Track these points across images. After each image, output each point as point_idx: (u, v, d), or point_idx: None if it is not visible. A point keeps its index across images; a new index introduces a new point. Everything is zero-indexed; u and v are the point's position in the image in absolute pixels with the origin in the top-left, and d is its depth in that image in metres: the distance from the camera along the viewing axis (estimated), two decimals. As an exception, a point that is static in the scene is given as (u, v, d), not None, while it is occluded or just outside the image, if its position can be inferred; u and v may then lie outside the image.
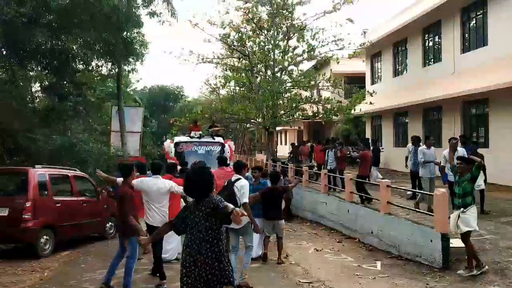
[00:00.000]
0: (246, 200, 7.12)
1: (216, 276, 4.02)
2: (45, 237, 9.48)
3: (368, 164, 12.78)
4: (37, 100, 20.26)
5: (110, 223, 11.48)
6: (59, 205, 9.94)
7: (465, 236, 7.20)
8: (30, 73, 18.01)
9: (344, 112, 22.84)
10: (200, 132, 18.85)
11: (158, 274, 7.35)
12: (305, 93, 24.78)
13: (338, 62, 23.26)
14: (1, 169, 11.12)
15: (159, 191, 7.29)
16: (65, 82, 17.57)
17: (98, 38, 15.54)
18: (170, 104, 62.58)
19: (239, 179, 7.31)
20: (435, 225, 7.86)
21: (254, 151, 41.58)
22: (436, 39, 20.27)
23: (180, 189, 7.10)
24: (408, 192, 12.55)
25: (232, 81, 28.71)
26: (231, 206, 4.09)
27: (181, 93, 64.09)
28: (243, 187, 7.18)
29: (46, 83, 18.35)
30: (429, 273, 7.67)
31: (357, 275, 7.95)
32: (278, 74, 24.00)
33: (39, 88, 19.82)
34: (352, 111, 23.16)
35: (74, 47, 16.47)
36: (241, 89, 27.85)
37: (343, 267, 8.63)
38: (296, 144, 25.09)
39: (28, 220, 9.14)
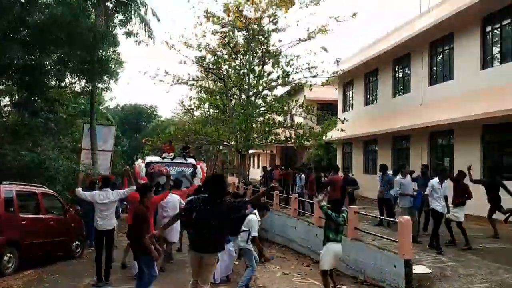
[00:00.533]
0: (255, 233, 8.42)
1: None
2: (8, 254, 9.29)
3: (338, 188, 13.04)
4: (6, 115, 19.92)
5: (77, 242, 11.28)
6: (24, 222, 9.78)
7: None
8: (0, 87, 17.77)
9: (316, 138, 23.20)
10: (172, 154, 18.86)
11: None
12: (279, 118, 25.11)
13: (311, 89, 23.72)
14: (-34, 184, 10.83)
15: (109, 201, 8.85)
16: (37, 98, 17.37)
17: (73, 55, 15.51)
18: (143, 123, 62.29)
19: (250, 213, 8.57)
20: (398, 251, 8.07)
21: (226, 173, 41.51)
22: (406, 70, 21.01)
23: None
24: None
25: (207, 103, 28.93)
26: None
27: (155, 113, 63.93)
28: (250, 220, 8.48)
29: (16, 97, 18.11)
30: (393, 298, 7.85)
31: (323, 299, 8.07)
32: (253, 98, 24.29)
33: (8, 103, 19.54)
34: (324, 137, 23.57)
35: (48, 63, 16.36)
36: (215, 111, 28.02)
37: (310, 291, 8.75)
38: (268, 168, 25.30)
39: (-8, 236, 8.95)
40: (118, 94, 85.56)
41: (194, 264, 5.88)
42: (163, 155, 18.92)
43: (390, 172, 14.01)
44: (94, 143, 16.60)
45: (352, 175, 19.91)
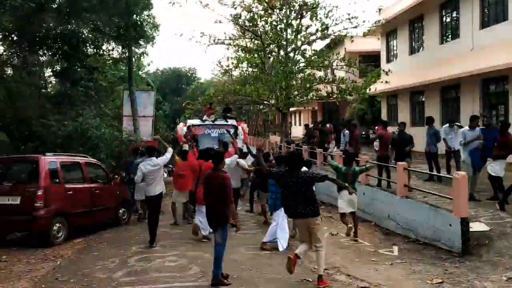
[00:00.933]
0: None
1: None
2: (57, 225, 9.45)
3: (386, 145, 12.46)
4: (49, 86, 20.21)
5: (123, 209, 11.44)
6: (70, 192, 9.89)
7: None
8: (41, 58, 17.91)
9: (359, 92, 22.40)
10: (213, 116, 18.66)
11: None
12: (319, 73, 24.35)
13: (352, 41, 22.74)
14: (12, 157, 11.02)
15: (155, 169, 9.10)
16: (76, 67, 17.44)
17: (108, 22, 15.33)
18: (183, 87, 62.50)
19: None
20: (454, 210, 7.59)
21: (268, 132, 41.29)
22: (454, 14, 19.62)
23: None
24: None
25: (245, 62, 28.35)
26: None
27: (194, 75, 63.97)
28: None
29: (58, 68, 18.23)
30: (448, 258, 7.44)
31: (373, 260, 7.76)
32: (292, 54, 23.57)
33: (51, 74, 19.80)
34: (367, 91, 22.75)
35: (85, 31, 16.27)
36: (254, 70, 27.47)
37: (359, 252, 8.44)
38: (310, 125, 24.74)
39: (40, 208, 9.10)
40: (156, 58, 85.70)
41: (302, 229, 6.74)
42: (204, 118, 18.78)
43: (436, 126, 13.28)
44: (135, 109, 16.59)
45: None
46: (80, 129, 13.23)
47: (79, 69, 17.49)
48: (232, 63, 27.96)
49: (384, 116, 25.76)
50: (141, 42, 17.33)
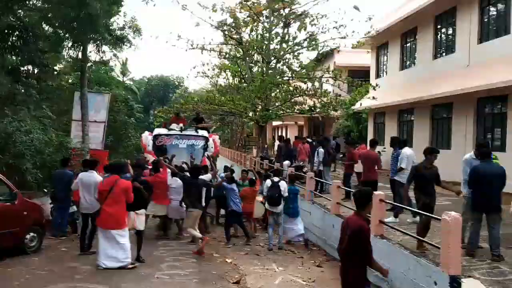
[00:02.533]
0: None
1: None
2: None
3: (372, 167, 10.48)
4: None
5: (32, 234, 9.12)
6: None
7: None
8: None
9: (344, 107, 20.64)
10: (182, 125, 16.78)
11: None
12: (304, 86, 22.53)
13: (338, 51, 21.05)
14: None
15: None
16: (28, 64, 15.45)
17: (56, 11, 13.33)
18: (170, 95, 60.58)
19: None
20: (441, 262, 5.66)
21: (250, 147, 39.05)
22: (450, 27, 17.93)
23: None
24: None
25: (228, 71, 26.48)
26: None
27: (181, 84, 62.02)
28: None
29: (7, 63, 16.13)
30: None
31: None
32: (277, 65, 21.85)
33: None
34: (353, 106, 20.97)
35: (31, 21, 14.22)
36: (236, 79, 25.62)
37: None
38: (284, 139, 22.64)
39: None
40: (145, 65, 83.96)
41: (193, 217, 9.69)
42: (171, 126, 16.88)
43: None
44: (85, 113, 14.42)
45: (384, 149, 17.38)
46: (4, 133, 11.01)
47: (30, 66, 15.43)
48: (214, 69, 25.79)
49: (370, 133, 23.99)
50: (96, 38, 15.17)
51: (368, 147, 11.26)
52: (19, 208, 8.80)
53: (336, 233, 9.23)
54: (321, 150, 12.85)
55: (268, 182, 10.50)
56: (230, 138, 42.75)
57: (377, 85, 20.28)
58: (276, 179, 10.40)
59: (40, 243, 9.13)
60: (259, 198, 12.83)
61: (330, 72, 20.77)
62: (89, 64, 19.57)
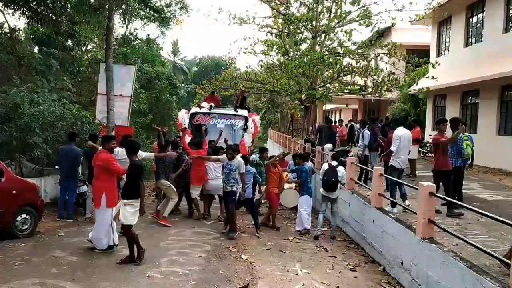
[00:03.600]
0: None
1: None
2: None
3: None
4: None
5: (24, 215, 8.15)
6: None
7: None
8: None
9: (398, 87, 18.67)
10: (212, 104, 15.74)
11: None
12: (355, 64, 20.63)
13: (393, 24, 18.97)
14: None
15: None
16: (59, 35, 14.63)
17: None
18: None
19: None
20: None
21: (298, 130, 37.18)
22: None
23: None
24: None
25: (274, 47, 24.90)
26: None
27: (233, 64, 60.86)
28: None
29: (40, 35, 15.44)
30: None
31: None
32: (327, 42, 20.10)
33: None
34: (410, 87, 18.94)
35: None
36: (280, 56, 24.02)
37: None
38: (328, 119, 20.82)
39: None
40: (197, 46, 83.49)
41: None
42: (202, 104, 15.90)
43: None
44: (110, 86, 13.37)
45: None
46: (13, 103, 10.09)
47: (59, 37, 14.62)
48: (256, 43, 23.99)
49: (429, 118, 21.89)
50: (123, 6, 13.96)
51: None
52: (6, 186, 7.76)
53: (376, 230, 7.76)
54: (366, 132, 11.22)
55: (325, 166, 9.64)
56: (279, 120, 41.17)
57: (436, 62, 18.15)
58: (334, 163, 9.51)
59: (34, 226, 8.20)
60: (289, 183, 11.57)
61: (384, 48, 18.72)
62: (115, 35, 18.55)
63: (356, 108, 37.99)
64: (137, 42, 27.78)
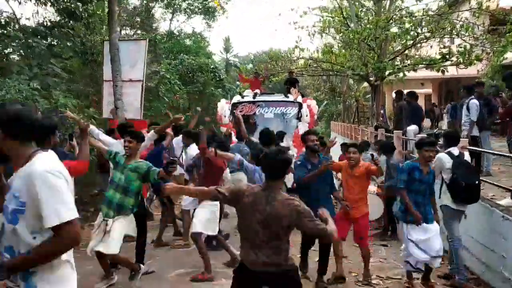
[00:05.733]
0: None
1: None
2: None
3: None
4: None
5: None
6: None
7: None
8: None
9: (492, 54, 14.71)
10: (258, 91, 13.23)
11: None
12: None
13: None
14: None
15: None
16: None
17: None
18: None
19: None
20: None
21: (365, 118, 32.81)
22: None
23: None
24: None
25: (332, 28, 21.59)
26: None
27: (292, 54, 58.61)
28: None
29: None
30: None
31: None
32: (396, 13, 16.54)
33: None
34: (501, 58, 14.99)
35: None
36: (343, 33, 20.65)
37: None
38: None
39: None
40: (251, 42, 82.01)
41: None
42: (245, 93, 13.76)
43: None
44: (117, 68, 9.97)
45: None
46: None
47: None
48: (306, 13, 20.55)
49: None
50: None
51: None
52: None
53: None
54: (473, 102, 7.45)
55: (445, 158, 5.58)
56: (342, 112, 37.30)
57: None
58: (455, 152, 5.61)
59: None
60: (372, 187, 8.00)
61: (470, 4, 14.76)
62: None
63: (429, 92, 33.25)
64: (181, 35, 26.49)
